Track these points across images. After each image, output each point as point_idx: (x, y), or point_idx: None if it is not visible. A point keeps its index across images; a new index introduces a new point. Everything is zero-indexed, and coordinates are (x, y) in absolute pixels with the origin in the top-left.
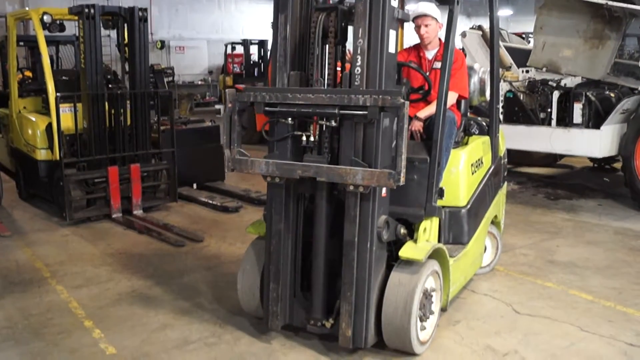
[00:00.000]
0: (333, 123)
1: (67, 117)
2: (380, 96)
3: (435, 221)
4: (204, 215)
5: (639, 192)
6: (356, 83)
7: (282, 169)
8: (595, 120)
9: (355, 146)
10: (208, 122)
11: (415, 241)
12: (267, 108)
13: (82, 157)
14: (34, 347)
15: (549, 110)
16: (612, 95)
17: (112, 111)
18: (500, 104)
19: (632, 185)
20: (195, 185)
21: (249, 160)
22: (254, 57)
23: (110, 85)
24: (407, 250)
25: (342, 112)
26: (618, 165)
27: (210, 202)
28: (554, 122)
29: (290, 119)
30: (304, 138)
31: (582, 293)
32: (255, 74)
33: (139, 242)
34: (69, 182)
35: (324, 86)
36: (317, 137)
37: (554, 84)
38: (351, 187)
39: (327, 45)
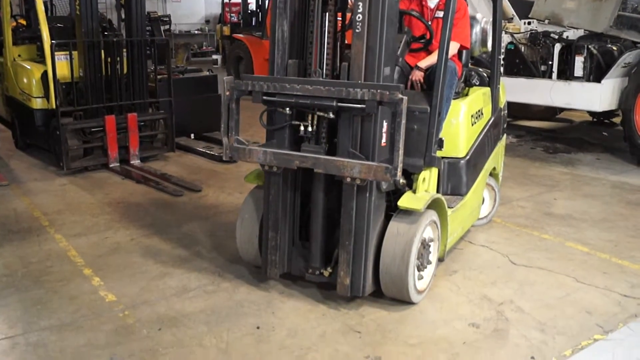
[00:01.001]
0: (331, 115)
1: (63, 65)
2: (379, 90)
3: (434, 172)
4: (202, 165)
5: (637, 147)
6: (357, 30)
7: (279, 159)
8: (596, 73)
9: (352, 138)
10: (206, 72)
11: (414, 191)
12: (265, 97)
13: (79, 105)
14: (34, 294)
15: (550, 62)
16: (614, 48)
17: (109, 59)
18: (501, 56)
19: (631, 139)
20: (192, 135)
21: (247, 149)
22: (252, 6)
23: (106, 33)
24: (406, 200)
25: (340, 104)
26: (617, 119)
27: (208, 152)
28: (554, 75)
29: (288, 108)
30: (302, 128)
31: (578, 245)
32: (253, 23)
33: (136, 192)
34: (65, 131)
35: (323, 76)
36: (314, 127)
37: (556, 37)
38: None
39: (327, 14)
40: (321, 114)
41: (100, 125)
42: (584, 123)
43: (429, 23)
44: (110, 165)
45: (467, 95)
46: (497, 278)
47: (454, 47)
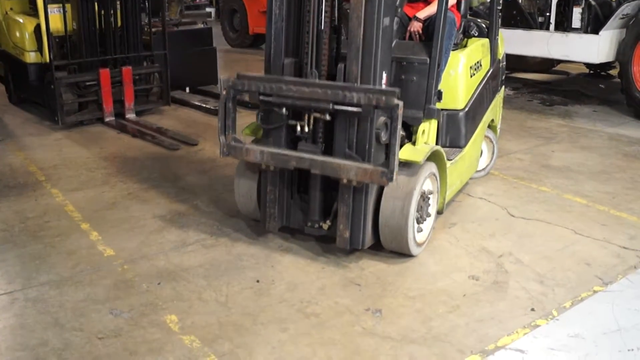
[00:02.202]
0: (327, 117)
1: (56, 18)
2: (375, 95)
3: (433, 123)
4: (198, 118)
5: (635, 99)
6: None
7: (276, 159)
8: (594, 25)
9: (348, 139)
10: (200, 25)
11: (414, 143)
12: (261, 97)
13: (73, 59)
14: (32, 249)
15: (548, 14)
16: (612, 0)
17: (102, 12)
18: (500, 7)
19: (628, 91)
20: (187, 89)
21: (244, 148)
22: None
23: None
24: (405, 152)
25: (336, 107)
26: (614, 71)
27: (204, 105)
28: (552, 26)
29: (284, 108)
30: (299, 128)
31: (576, 197)
32: None
33: (132, 146)
34: (59, 85)
35: (319, 77)
36: (311, 126)
37: None
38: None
39: (323, 8)
40: (318, 115)
41: (95, 79)
42: (581, 75)
43: None
44: (106, 120)
45: (465, 46)
46: (496, 230)
47: None
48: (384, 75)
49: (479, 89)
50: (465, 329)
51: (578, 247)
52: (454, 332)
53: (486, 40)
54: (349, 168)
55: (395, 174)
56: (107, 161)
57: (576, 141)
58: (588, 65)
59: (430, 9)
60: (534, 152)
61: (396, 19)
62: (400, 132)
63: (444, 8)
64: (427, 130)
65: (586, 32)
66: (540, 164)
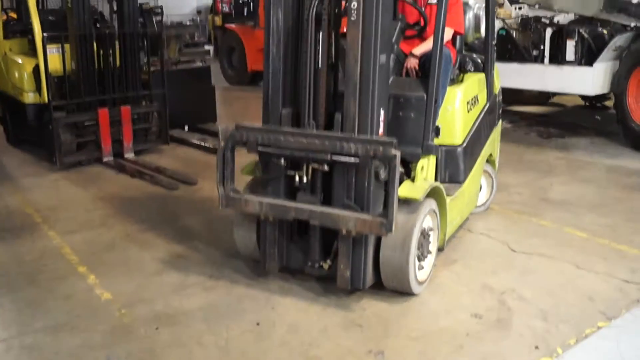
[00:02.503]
0: (325, 167)
1: (55, 59)
2: (373, 146)
3: (432, 160)
4: (197, 157)
5: (631, 130)
6: (353, 18)
7: (275, 210)
8: (587, 57)
9: (347, 189)
10: (199, 63)
11: (413, 180)
12: (260, 148)
13: (71, 99)
14: (28, 293)
15: (542, 47)
16: (605, 32)
17: (101, 52)
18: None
19: (624, 122)
20: (186, 127)
21: (243, 199)
22: None
23: (98, 25)
24: (405, 189)
25: (334, 158)
26: (609, 103)
27: (203, 144)
28: (546, 59)
29: (282, 159)
30: (297, 178)
31: (576, 231)
32: (245, 13)
33: (131, 186)
34: (58, 125)
35: (317, 127)
36: (309, 176)
37: (547, 21)
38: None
39: (320, 33)
40: (316, 165)
41: (94, 119)
42: (576, 107)
43: (423, 9)
44: (104, 160)
45: (462, 81)
46: (498, 266)
47: (448, 33)
48: (382, 112)
49: (477, 124)
50: None
51: (580, 281)
52: None
53: (482, 75)
54: (347, 219)
55: (394, 224)
56: (105, 202)
57: (575, 173)
58: (583, 97)
59: (426, 45)
60: (532, 185)
61: (392, 55)
62: (397, 182)
63: (439, 44)
64: (426, 167)
65: (580, 64)
66: (539, 198)
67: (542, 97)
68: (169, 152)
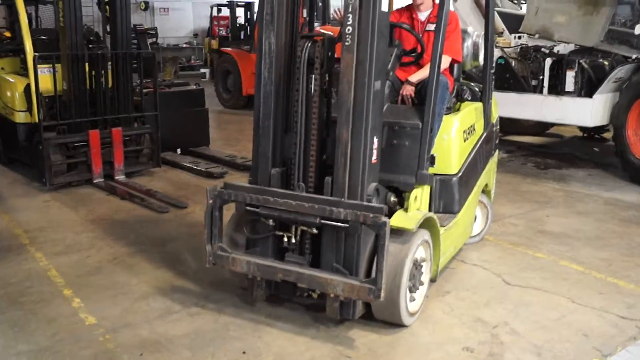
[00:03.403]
0: (314, 230)
1: (46, 79)
2: (362, 212)
3: (426, 189)
4: (188, 181)
5: (630, 163)
6: (347, 43)
7: (263, 271)
8: (587, 88)
9: (336, 252)
10: (193, 86)
11: (406, 210)
12: (248, 207)
13: (62, 120)
14: (11, 316)
15: (541, 77)
16: (606, 63)
17: (93, 72)
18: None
19: (623, 155)
20: (179, 150)
21: (230, 258)
22: (240, 19)
23: (91, 46)
24: (397, 219)
25: (323, 221)
26: (608, 135)
27: (195, 167)
28: (545, 89)
29: (271, 220)
30: (285, 239)
31: (572, 264)
32: (242, 37)
33: (121, 208)
34: (48, 145)
35: (306, 190)
36: (298, 238)
37: (547, 51)
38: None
39: (312, 76)
40: (305, 228)
41: (84, 140)
42: (574, 138)
43: (420, 36)
44: (95, 181)
45: (458, 110)
46: (491, 299)
47: (445, 61)
48: (375, 140)
49: (473, 154)
50: None
51: (575, 316)
52: None
53: (479, 104)
54: (335, 284)
55: (382, 291)
56: (94, 224)
57: (572, 206)
58: (582, 128)
59: (423, 73)
60: (528, 217)
61: (388, 82)
62: (387, 249)
63: (436, 72)
64: (420, 196)
65: (580, 95)
66: (535, 230)
67: (540, 128)
68: (161, 174)
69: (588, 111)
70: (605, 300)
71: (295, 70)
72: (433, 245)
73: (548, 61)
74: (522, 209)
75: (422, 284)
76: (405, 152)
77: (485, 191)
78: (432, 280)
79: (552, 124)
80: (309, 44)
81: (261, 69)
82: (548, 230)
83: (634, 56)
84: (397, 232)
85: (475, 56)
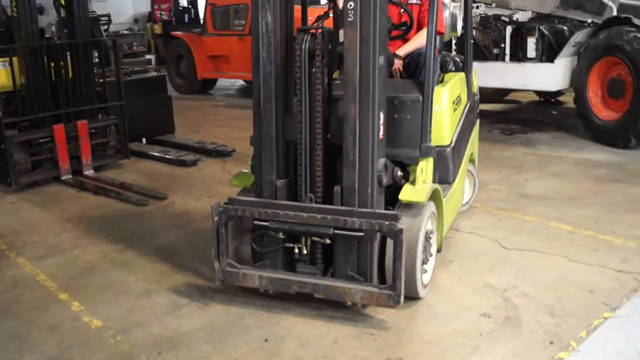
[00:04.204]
0: (327, 241)
1: (2, 73)
2: (377, 220)
3: (430, 161)
4: (161, 171)
5: (592, 123)
6: (350, 19)
7: (276, 284)
8: (548, 54)
9: (350, 260)
10: (153, 72)
11: (412, 183)
12: (256, 222)
13: (23, 116)
14: (8, 327)
15: (503, 45)
16: (565, 28)
17: (52, 64)
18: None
19: (586, 117)
20: (144, 140)
21: (240, 273)
22: (183, 2)
23: (47, 37)
24: (407, 194)
25: (336, 232)
26: (563, 98)
27: (166, 156)
28: (507, 57)
29: (281, 233)
30: (296, 250)
31: (561, 224)
32: (186, 19)
33: (97, 204)
34: (10, 144)
35: (315, 199)
36: (309, 249)
37: (507, 19)
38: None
39: (313, 69)
40: (317, 239)
41: (48, 136)
42: (532, 103)
43: (410, 10)
44: (62, 178)
45: (442, 81)
46: (493, 264)
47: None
48: (382, 115)
49: (461, 123)
50: None
51: (576, 274)
52: None
53: (462, 74)
54: (354, 292)
55: (402, 297)
56: (72, 223)
57: (545, 168)
58: (538, 93)
59: (410, 46)
60: (508, 182)
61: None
62: (404, 256)
63: (432, 44)
64: (425, 169)
65: (541, 61)
66: (518, 194)
67: (499, 95)
68: (130, 166)
69: (550, 76)
70: (600, 256)
71: (296, 58)
72: (438, 216)
73: (508, 29)
74: (500, 174)
75: (431, 255)
76: (407, 126)
77: (471, 160)
78: (438, 251)
79: (510, 91)
80: (308, 37)
81: (259, 50)
82: (530, 194)
83: (589, 20)
84: (407, 206)
85: (454, 27)
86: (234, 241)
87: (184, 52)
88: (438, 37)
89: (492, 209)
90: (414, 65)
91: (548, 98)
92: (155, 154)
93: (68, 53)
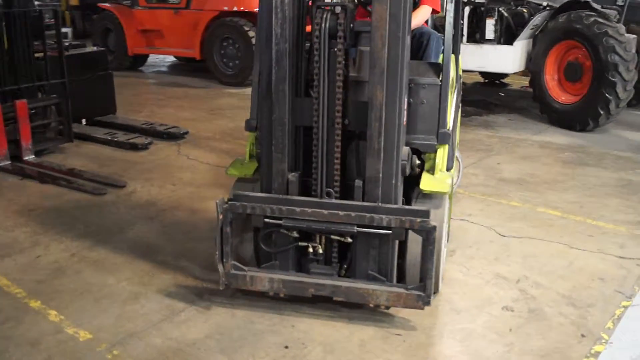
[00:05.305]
0: (349, 239)
1: None
2: (407, 218)
3: (446, 148)
4: (111, 155)
5: (549, 106)
6: None
7: (290, 287)
8: (507, 36)
9: (370, 259)
10: (92, 47)
11: (430, 171)
12: (268, 220)
13: None
14: None
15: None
16: (525, 10)
17: None
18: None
19: (542, 99)
20: (84, 121)
21: (248, 276)
22: None
23: None
24: (429, 184)
25: (360, 230)
26: (507, 80)
27: (114, 139)
28: (465, 38)
29: (295, 232)
30: (311, 250)
31: (549, 210)
32: None
33: (47, 194)
34: None
35: (333, 194)
36: (324, 247)
37: (465, 0)
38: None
39: (334, 49)
40: (336, 237)
41: None
42: (477, 85)
43: None
44: (0, 164)
45: None
46: (497, 253)
47: (426, 12)
48: (405, 100)
49: (454, 107)
50: None
51: (581, 262)
52: None
53: (453, 56)
54: (379, 294)
55: (431, 298)
56: (23, 216)
57: (512, 151)
58: (483, 74)
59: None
60: (482, 165)
61: None
62: (437, 254)
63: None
64: (442, 157)
65: (500, 43)
66: (495, 178)
67: None
68: (75, 150)
69: (509, 58)
70: (597, 242)
71: (314, 38)
72: (450, 205)
73: (467, 10)
74: (472, 158)
75: (446, 246)
76: (422, 111)
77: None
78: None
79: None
80: (328, 14)
81: (272, 25)
82: (507, 178)
83: (545, 3)
84: (426, 196)
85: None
86: (233, 240)
87: (112, 25)
88: (431, 17)
89: (476, 194)
90: (416, 46)
91: (493, 79)
92: (101, 136)
93: (4, 24)
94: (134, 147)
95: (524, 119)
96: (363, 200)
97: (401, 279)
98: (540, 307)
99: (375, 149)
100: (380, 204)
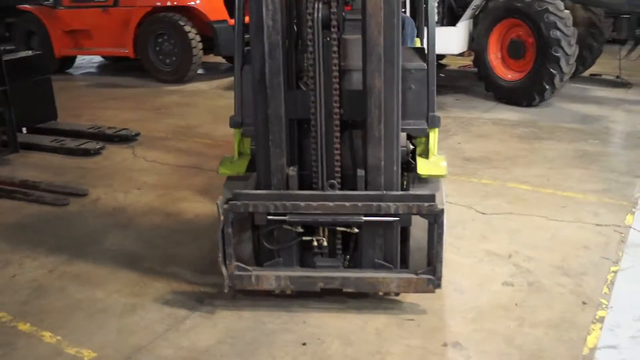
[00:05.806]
0: (355, 230)
1: None
2: (414, 203)
3: (436, 132)
4: (62, 163)
5: (495, 84)
6: None
7: (298, 283)
8: (450, 17)
9: (376, 248)
10: (28, 51)
11: (423, 155)
12: (270, 217)
13: None
14: None
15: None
16: None
17: None
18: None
19: (487, 78)
20: (24, 130)
21: (252, 276)
22: None
23: None
24: (425, 168)
25: (367, 219)
26: (444, 61)
27: (63, 146)
28: None
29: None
30: (315, 243)
31: (519, 184)
32: None
33: (4, 209)
34: None
35: (337, 185)
36: (328, 240)
37: None
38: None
39: (328, 39)
40: (342, 229)
41: None
42: None
43: None
44: None
45: None
46: (482, 231)
47: None
48: (400, 86)
49: None
50: (550, 340)
51: (563, 232)
52: (542, 345)
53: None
54: (389, 281)
55: (441, 281)
56: None
57: (468, 130)
58: None
59: None
60: (443, 146)
61: None
62: (445, 237)
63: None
64: (433, 141)
65: (443, 24)
66: (460, 157)
67: None
68: (22, 161)
69: (454, 39)
70: (572, 212)
71: (307, 29)
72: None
73: None
74: None
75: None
76: (411, 96)
77: None
78: None
79: None
80: (321, 5)
81: (263, 18)
82: (472, 157)
83: None
84: (423, 181)
85: None
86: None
87: (35, 27)
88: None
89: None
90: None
91: None
92: (48, 144)
93: None
94: (86, 153)
95: (471, 97)
96: (365, 189)
97: (403, 264)
98: (538, 280)
99: (376, 137)
100: (384, 191)
